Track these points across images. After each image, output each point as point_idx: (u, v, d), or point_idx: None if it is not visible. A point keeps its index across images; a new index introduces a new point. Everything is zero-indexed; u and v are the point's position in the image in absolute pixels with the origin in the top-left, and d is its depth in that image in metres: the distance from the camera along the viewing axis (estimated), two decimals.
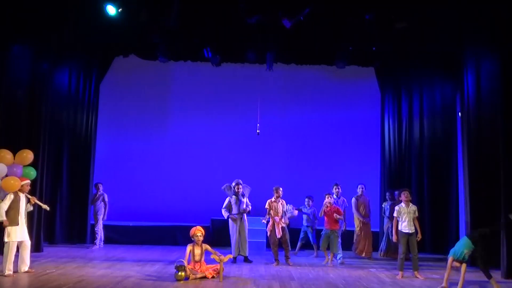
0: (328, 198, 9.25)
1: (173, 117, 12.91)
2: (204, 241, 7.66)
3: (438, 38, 9.97)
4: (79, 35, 10.23)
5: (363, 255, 9.91)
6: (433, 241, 10.70)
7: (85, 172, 11.27)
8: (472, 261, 8.97)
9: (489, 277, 6.89)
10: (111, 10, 9.33)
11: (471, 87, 9.35)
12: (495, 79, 8.71)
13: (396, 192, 10.38)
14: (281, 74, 12.43)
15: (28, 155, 7.94)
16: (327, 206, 9.13)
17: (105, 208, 10.67)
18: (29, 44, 9.40)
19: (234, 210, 9.15)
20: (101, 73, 11.84)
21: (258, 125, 11.30)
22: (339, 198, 9.95)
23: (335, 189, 10.02)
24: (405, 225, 7.88)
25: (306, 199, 10.20)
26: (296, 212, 9.79)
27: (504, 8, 8.34)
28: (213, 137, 12.71)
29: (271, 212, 9.01)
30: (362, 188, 10.21)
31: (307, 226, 10.17)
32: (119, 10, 9.35)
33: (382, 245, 10.22)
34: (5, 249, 7.18)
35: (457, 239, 10.80)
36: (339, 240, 9.28)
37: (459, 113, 10.70)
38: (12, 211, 7.22)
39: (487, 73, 9.02)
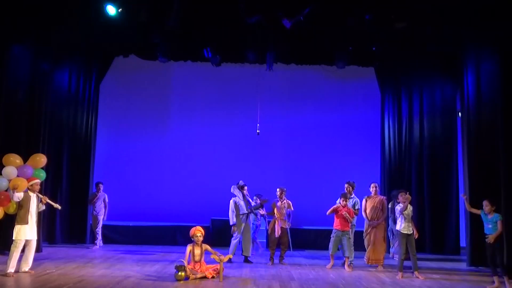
0: (343, 201, 8.60)
1: (173, 117, 12.92)
2: (204, 241, 7.65)
3: (438, 38, 9.97)
4: (79, 35, 10.24)
5: (368, 262, 8.81)
6: (433, 241, 10.70)
7: (85, 172, 11.26)
8: (472, 261, 9.01)
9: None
10: (111, 10, 9.34)
11: (471, 87, 9.35)
12: (495, 79, 8.70)
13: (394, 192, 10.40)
14: (281, 74, 12.42)
15: (41, 159, 7.98)
16: (340, 209, 8.53)
17: (105, 209, 10.66)
18: (29, 44, 9.40)
19: (241, 210, 9.13)
20: (101, 73, 11.85)
21: (258, 125, 11.29)
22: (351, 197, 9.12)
23: (347, 188, 9.19)
24: (405, 226, 7.89)
25: (255, 197, 9.93)
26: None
27: (504, 8, 8.34)
28: (213, 137, 12.72)
29: (275, 212, 9.03)
30: (374, 187, 9.17)
31: (252, 223, 9.80)
32: (119, 10, 9.36)
33: (395, 246, 9.68)
34: (12, 246, 7.22)
35: (457, 239, 10.85)
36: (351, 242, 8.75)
37: (459, 113, 10.70)
38: (22, 210, 7.28)
39: (487, 73, 9.02)
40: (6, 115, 8.99)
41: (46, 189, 9.91)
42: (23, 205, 7.32)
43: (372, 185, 9.22)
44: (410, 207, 8.00)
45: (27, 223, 7.29)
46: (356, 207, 9.07)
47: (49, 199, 7.88)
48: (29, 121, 9.35)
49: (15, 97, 9.19)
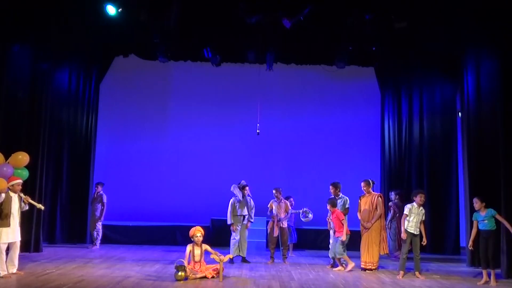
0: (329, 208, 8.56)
1: (173, 117, 12.92)
2: (204, 241, 7.64)
3: (438, 38, 9.97)
4: (79, 35, 10.24)
5: (363, 266, 8.29)
6: (433, 241, 10.67)
7: (85, 172, 11.26)
8: (472, 261, 9.01)
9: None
10: (111, 10, 9.35)
11: (471, 87, 9.35)
12: (495, 79, 8.70)
13: (393, 192, 10.41)
14: (281, 74, 12.42)
15: (23, 158, 7.52)
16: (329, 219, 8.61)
17: (102, 209, 10.49)
18: (29, 44, 9.39)
19: (238, 212, 9.12)
20: (101, 73, 11.86)
21: (258, 125, 11.31)
22: (338, 198, 8.80)
23: (331, 190, 8.89)
24: (412, 226, 7.87)
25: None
26: (311, 216, 9.55)
27: (503, 8, 8.34)
28: (213, 137, 12.72)
29: (272, 211, 9.07)
30: (363, 186, 8.51)
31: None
32: (119, 10, 9.37)
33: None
34: None
35: (457, 239, 10.86)
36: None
37: (459, 113, 10.70)
38: (2, 212, 6.91)
39: (487, 73, 9.02)
40: (6, 115, 8.97)
41: (46, 189, 9.92)
42: (4, 207, 6.92)
43: (362, 184, 8.52)
44: (422, 209, 7.96)
45: (9, 225, 6.95)
46: (346, 206, 8.71)
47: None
48: (29, 121, 9.34)
49: (15, 97, 9.18)
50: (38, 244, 9.35)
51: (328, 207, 8.58)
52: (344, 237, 8.28)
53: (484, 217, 7.41)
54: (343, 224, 8.35)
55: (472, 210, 8.89)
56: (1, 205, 6.95)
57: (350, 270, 8.16)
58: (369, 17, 9.46)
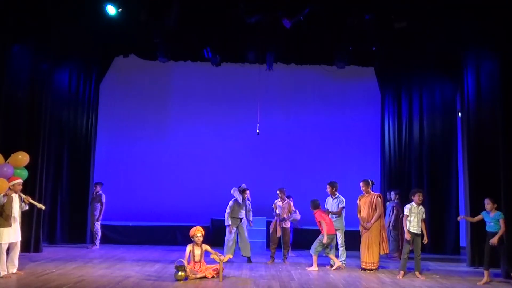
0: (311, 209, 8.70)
1: (173, 117, 12.92)
2: (204, 241, 7.64)
3: (438, 38, 9.98)
4: (79, 35, 10.24)
5: (363, 266, 8.29)
6: (433, 241, 10.66)
7: (85, 172, 11.26)
8: (472, 261, 9.01)
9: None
10: (111, 10, 9.35)
11: (471, 87, 9.35)
12: (495, 79, 8.72)
13: (393, 192, 10.42)
14: (281, 74, 12.42)
15: (23, 158, 7.52)
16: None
17: (100, 209, 10.48)
18: (29, 44, 9.40)
19: (236, 214, 9.11)
20: (101, 73, 11.86)
21: (258, 125, 11.30)
22: (334, 198, 8.81)
23: (328, 189, 8.89)
24: (413, 225, 7.87)
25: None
26: (298, 216, 9.72)
27: (503, 9, 8.35)
28: (213, 137, 12.72)
29: (276, 211, 9.10)
30: (362, 186, 8.48)
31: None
32: (119, 10, 9.37)
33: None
34: None
35: (457, 239, 10.86)
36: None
37: (459, 113, 10.71)
38: (4, 213, 6.92)
39: (487, 73, 9.03)
40: (6, 115, 8.98)
41: (46, 189, 9.92)
42: (6, 207, 6.93)
43: (361, 184, 8.49)
44: (422, 208, 7.96)
45: (10, 225, 6.95)
46: (340, 206, 8.68)
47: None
48: (29, 121, 9.34)
49: (15, 97, 9.18)
50: (38, 244, 9.35)
51: (311, 208, 8.62)
52: (325, 240, 8.27)
53: (491, 219, 7.43)
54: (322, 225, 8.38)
55: (472, 210, 8.93)
56: (2, 205, 6.96)
57: (311, 270, 8.24)
58: (369, 17, 9.46)
